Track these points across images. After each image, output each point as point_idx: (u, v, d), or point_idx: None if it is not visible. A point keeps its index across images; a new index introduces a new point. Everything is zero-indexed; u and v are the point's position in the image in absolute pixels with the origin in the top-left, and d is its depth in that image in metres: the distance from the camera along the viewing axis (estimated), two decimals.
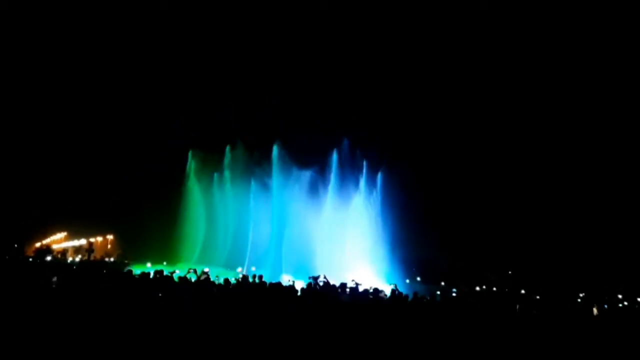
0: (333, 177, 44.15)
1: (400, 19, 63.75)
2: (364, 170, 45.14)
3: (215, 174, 44.81)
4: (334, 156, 44.11)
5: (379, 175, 44.90)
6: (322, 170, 44.62)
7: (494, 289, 45.43)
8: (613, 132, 56.77)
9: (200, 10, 64.52)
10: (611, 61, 57.71)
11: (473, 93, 61.80)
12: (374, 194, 44.97)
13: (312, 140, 47.08)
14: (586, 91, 58.21)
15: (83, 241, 56.63)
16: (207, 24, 64.19)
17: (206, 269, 24.27)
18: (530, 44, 61.44)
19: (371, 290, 17.97)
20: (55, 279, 13.63)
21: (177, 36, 61.36)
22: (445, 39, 62.36)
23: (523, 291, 39.08)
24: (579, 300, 33.53)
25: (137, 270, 20.25)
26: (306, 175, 44.36)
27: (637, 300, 36.05)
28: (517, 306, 21.61)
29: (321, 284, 17.52)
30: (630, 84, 55.56)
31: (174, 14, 60.85)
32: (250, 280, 20.03)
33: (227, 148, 45.45)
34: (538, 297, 34.71)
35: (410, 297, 17.34)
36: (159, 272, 17.81)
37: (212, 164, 45.42)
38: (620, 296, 38.55)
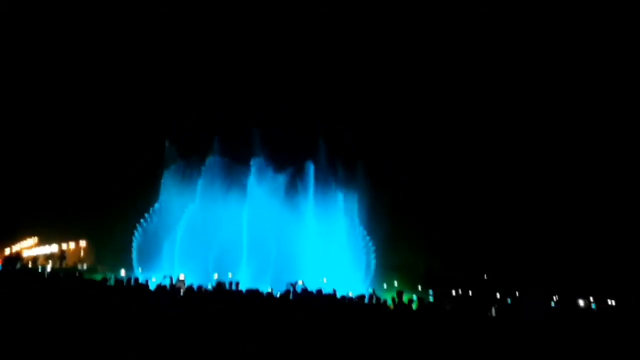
0: (310, 182, 44.42)
1: (385, 18, 63.78)
2: (340, 173, 45.61)
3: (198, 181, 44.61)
4: (310, 166, 44.50)
5: (357, 179, 45.41)
6: (299, 174, 44.93)
7: (470, 292, 46.03)
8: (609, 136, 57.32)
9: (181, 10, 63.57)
10: (611, 61, 58.41)
11: (454, 94, 62.32)
12: (352, 199, 45.31)
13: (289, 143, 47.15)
14: (585, 92, 58.83)
15: (55, 247, 55.29)
16: (185, 22, 63.31)
17: (182, 276, 24.05)
18: (527, 44, 62.04)
19: (349, 297, 18.04)
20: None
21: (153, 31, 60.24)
22: (434, 37, 62.73)
23: (498, 295, 39.69)
24: (552, 303, 34.19)
25: (110, 277, 19.95)
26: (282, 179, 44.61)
27: (607, 302, 36.93)
28: (492, 309, 21.91)
29: (299, 290, 17.46)
30: (630, 84, 56.24)
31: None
32: (227, 287, 19.90)
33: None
34: (510, 300, 35.30)
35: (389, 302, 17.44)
36: (133, 279, 17.56)
37: (188, 169, 45.19)
38: (591, 298, 39.48)
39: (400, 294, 16.92)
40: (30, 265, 42.01)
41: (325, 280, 34.46)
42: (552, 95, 60.59)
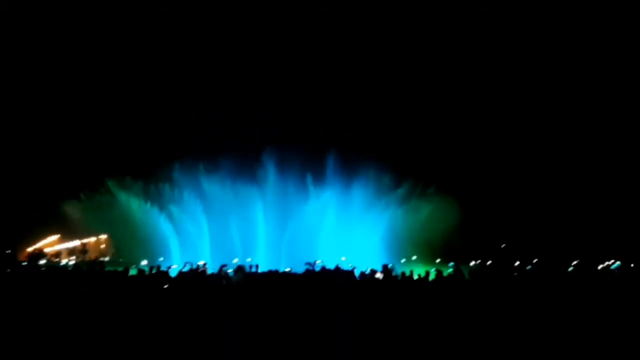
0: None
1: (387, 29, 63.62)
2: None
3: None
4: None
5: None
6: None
7: (489, 262, 46.02)
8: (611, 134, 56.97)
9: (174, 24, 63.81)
10: (611, 61, 57.86)
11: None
12: (367, 177, 45.23)
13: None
14: (586, 92, 58.42)
15: (76, 242, 56.31)
16: (184, 23, 63.45)
17: (201, 262, 24.31)
18: (526, 44, 61.57)
19: (367, 272, 18.15)
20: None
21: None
22: (434, 37, 62.41)
23: (517, 262, 39.67)
24: (570, 269, 34.07)
25: (133, 269, 20.25)
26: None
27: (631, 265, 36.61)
28: (512, 278, 21.87)
29: (317, 269, 17.63)
30: (630, 84, 55.78)
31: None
32: (247, 270, 20.15)
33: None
34: (529, 267, 35.29)
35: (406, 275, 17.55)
36: (155, 268, 17.78)
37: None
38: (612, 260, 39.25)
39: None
40: (53, 260, 42.95)
41: (343, 258, 34.70)
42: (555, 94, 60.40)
